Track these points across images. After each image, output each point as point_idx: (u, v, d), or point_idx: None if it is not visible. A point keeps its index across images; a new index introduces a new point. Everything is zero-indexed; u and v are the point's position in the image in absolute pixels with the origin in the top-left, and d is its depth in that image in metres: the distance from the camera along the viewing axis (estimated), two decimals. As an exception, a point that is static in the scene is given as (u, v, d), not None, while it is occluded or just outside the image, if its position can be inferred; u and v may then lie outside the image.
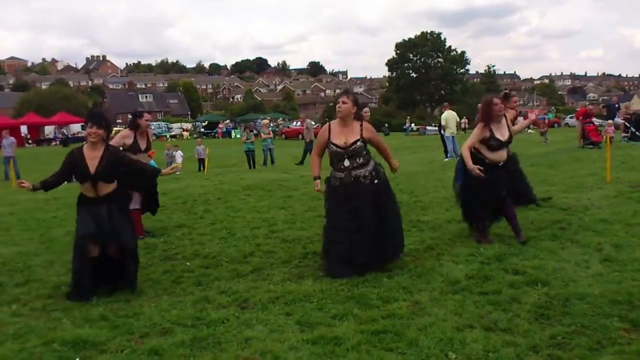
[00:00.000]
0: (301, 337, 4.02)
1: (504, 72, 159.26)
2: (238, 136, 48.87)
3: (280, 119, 64.08)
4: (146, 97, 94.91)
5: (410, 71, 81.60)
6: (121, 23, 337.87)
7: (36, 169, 24.30)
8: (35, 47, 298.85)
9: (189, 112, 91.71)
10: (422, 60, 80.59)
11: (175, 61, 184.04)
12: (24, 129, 52.98)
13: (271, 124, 27.75)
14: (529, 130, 22.49)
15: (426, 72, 79.69)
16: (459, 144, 18.37)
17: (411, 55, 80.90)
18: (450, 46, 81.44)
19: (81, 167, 5.33)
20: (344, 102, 5.68)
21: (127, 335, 4.28)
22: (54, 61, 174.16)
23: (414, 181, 12.48)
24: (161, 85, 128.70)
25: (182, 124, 68.24)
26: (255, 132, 22.03)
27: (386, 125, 53.25)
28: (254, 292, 5.17)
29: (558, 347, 3.70)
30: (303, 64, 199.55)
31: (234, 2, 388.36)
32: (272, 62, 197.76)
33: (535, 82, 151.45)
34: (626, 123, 21.03)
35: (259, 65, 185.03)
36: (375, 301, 4.76)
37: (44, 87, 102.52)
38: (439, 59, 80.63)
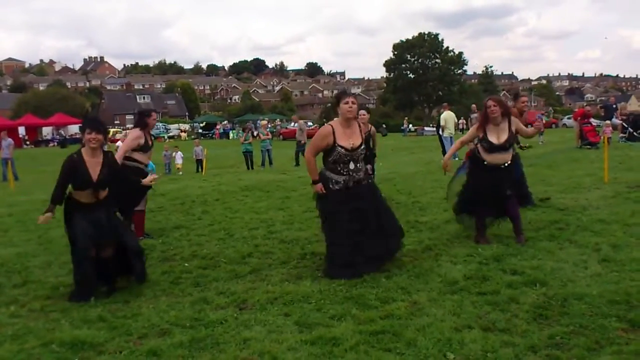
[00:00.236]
0: (299, 338, 4.02)
1: (502, 73, 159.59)
2: (236, 137, 48.83)
3: (278, 120, 64.11)
4: (144, 98, 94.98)
5: (408, 72, 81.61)
6: (119, 24, 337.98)
7: (34, 170, 24.29)
8: (32, 48, 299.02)
9: (187, 113, 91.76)
10: (420, 61, 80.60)
11: (172, 62, 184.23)
12: (21, 130, 52.91)
13: (269, 125, 27.71)
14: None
15: (424, 73, 79.70)
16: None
17: (409, 56, 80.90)
18: (447, 47, 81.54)
19: (83, 174, 5.25)
20: (353, 103, 5.62)
21: (126, 336, 4.27)
22: (51, 62, 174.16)
23: (411, 182, 12.49)
24: (159, 86, 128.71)
25: (180, 125, 68.18)
26: (255, 133, 21.96)
27: (384, 126, 53.22)
28: (252, 292, 5.17)
29: (556, 347, 3.70)
30: (301, 65, 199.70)
31: (231, 3, 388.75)
32: (270, 63, 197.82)
33: (533, 83, 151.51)
34: (624, 123, 21.08)
35: (257, 66, 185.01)
36: (373, 301, 4.76)
37: (41, 88, 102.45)
38: (437, 60, 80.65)
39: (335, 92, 6.25)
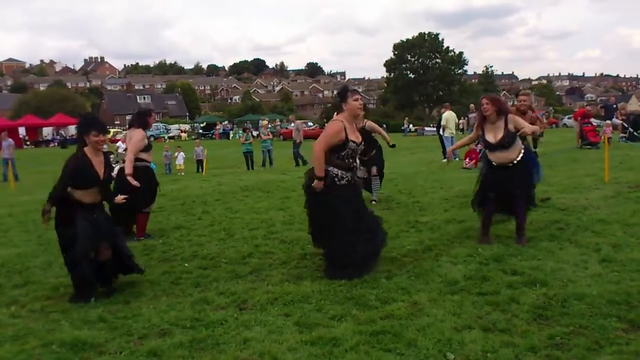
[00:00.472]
0: (300, 338, 4.03)
1: (502, 73, 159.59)
2: (236, 137, 48.85)
3: (278, 120, 64.11)
4: (144, 98, 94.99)
5: (408, 72, 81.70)
6: (119, 24, 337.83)
7: (34, 170, 24.30)
8: (33, 49, 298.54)
9: (187, 113, 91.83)
10: (420, 61, 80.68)
11: (173, 62, 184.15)
12: (22, 131, 52.88)
13: (269, 125, 27.72)
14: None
15: (424, 73, 79.78)
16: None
17: (409, 56, 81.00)
18: (448, 47, 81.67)
19: (91, 173, 5.27)
20: (361, 100, 5.82)
21: (126, 337, 4.28)
22: (52, 63, 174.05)
23: (412, 182, 12.49)
24: (159, 86, 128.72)
25: (180, 125, 68.19)
26: (256, 133, 22.01)
27: (384, 126, 53.13)
28: (252, 293, 5.18)
29: (556, 348, 3.70)
30: (301, 65, 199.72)
31: (232, 4, 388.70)
32: (270, 63, 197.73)
33: (533, 83, 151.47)
34: (624, 123, 21.07)
35: (257, 66, 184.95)
36: (373, 302, 4.76)
37: (42, 88, 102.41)
38: (437, 60, 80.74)
39: (339, 88, 6.18)
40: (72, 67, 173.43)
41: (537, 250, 6.04)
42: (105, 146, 5.62)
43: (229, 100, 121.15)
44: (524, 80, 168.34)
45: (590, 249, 5.95)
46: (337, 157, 5.61)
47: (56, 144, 52.37)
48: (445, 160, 17.71)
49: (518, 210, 6.46)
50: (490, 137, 6.34)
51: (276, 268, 6.05)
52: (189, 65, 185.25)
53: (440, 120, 19.25)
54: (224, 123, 64.08)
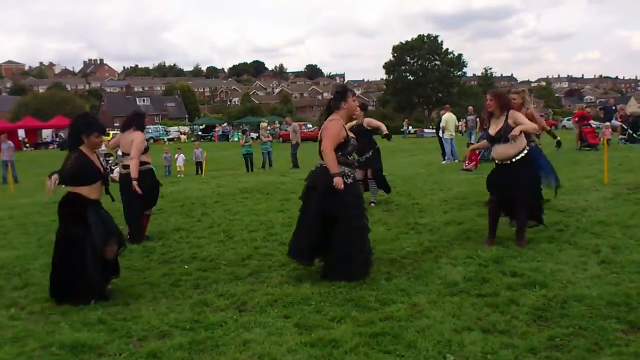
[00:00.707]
0: (299, 340, 4.03)
1: (501, 75, 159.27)
2: (236, 139, 48.83)
3: (277, 122, 64.12)
4: (143, 100, 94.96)
5: (408, 74, 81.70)
6: (118, 26, 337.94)
7: (34, 172, 24.29)
8: (32, 51, 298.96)
9: (187, 116, 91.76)
10: (420, 63, 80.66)
11: (172, 64, 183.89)
12: (21, 133, 52.89)
13: (268, 127, 27.74)
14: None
15: (423, 75, 79.75)
16: (457, 146, 18.43)
17: (408, 58, 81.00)
18: (447, 49, 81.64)
19: (94, 168, 5.34)
20: (357, 101, 5.96)
21: (126, 339, 4.27)
22: (51, 65, 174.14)
23: (411, 184, 12.49)
24: (158, 88, 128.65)
25: (180, 127, 68.20)
26: (255, 135, 22.03)
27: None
28: (252, 295, 5.18)
29: (556, 349, 3.71)
30: (300, 67, 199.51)
31: (231, 6, 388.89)
32: (270, 65, 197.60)
33: (533, 85, 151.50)
34: (623, 125, 21.09)
35: (256, 68, 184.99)
36: (373, 303, 4.76)
37: (41, 90, 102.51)
38: (436, 62, 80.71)
39: (338, 87, 6.16)
40: (72, 69, 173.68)
41: (536, 251, 6.04)
42: (103, 146, 5.66)
43: (229, 102, 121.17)
44: (523, 82, 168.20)
45: (590, 251, 5.95)
46: (341, 155, 5.62)
47: (55, 146, 52.36)
48: (445, 162, 17.78)
49: (518, 216, 6.46)
50: (492, 131, 6.43)
51: (275, 270, 6.05)
52: (188, 68, 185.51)
53: (439, 122, 19.29)
54: (223, 125, 64.04)
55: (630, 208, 7.93)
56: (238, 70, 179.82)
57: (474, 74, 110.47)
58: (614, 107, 23.97)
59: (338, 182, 5.44)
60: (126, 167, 7.78)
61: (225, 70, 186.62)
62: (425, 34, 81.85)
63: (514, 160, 6.31)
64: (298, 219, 5.82)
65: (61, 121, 56.82)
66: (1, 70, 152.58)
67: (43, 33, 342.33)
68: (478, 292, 4.87)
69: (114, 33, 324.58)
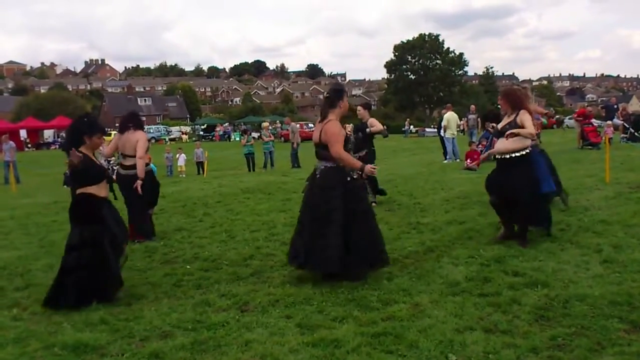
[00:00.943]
0: (301, 340, 4.03)
1: (503, 74, 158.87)
2: (237, 139, 48.84)
3: (278, 121, 64.12)
4: (145, 100, 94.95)
5: (409, 73, 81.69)
6: (119, 26, 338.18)
7: (35, 173, 24.33)
8: (34, 51, 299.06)
9: (188, 115, 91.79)
10: (421, 62, 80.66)
11: (173, 64, 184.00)
12: (23, 133, 52.96)
13: (270, 127, 27.74)
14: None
15: (425, 74, 79.76)
16: (459, 146, 18.42)
17: (409, 57, 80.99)
18: (448, 48, 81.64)
19: (98, 167, 5.39)
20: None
21: (128, 339, 4.28)
22: (52, 65, 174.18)
23: (413, 183, 12.49)
24: (160, 88, 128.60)
25: (181, 127, 68.25)
26: (257, 135, 22.04)
27: (385, 127, 53.12)
28: (254, 295, 5.18)
29: (558, 349, 3.71)
30: (302, 67, 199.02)
31: (232, 5, 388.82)
32: (271, 64, 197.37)
33: (534, 84, 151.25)
34: (625, 124, 21.06)
35: (258, 68, 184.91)
36: (375, 303, 4.76)
37: (42, 91, 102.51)
38: (437, 61, 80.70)
39: (335, 86, 6.14)
40: (73, 70, 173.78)
41: (538, 251, 6.04)
42: (102, 147, 5.67)
43: (230, 102, 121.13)
44: (524, 80, 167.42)
45: (592, 250, 5.95)
46: (348, 152, 5.65)
47: (57, 146, 52.37)
48: (446, 161, 17.77)
49: (519, 218, 6.45)
50: (500, 125, 6.46)
51: (277, 270, 6.05)
52: (189, 67, 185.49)
53: (441, 121, 19.26)
54: (224, 125, 64.03)
55: (632, 207, 7.92)
56: (239, 70, 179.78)
57: (475, 73, 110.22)
58: (615, 106, 23.93)
59: (369, 169, 5.51)
60: (126, 167, 7.73)
61: (227, 70, 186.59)
62: (427, 33, 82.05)
63: (512, 156, 6.28)
64: (310, 229, 5.50)
65: (63, 121, 56.80)
66: (3, 70, 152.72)
67: (44, 33, 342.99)
68: (480, 292, 4.87)
69: (115, 33, 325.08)
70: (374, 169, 5.60)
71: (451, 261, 5.90)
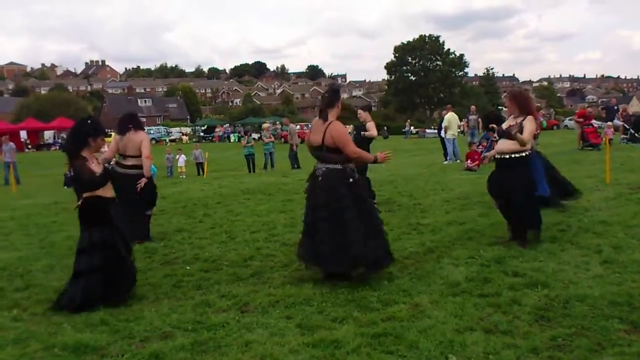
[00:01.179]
0: (301, 341, 4.03)
1: (503, 75, 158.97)
2: (236, 140, 48.91)
3: (278, 122, 64.16)
4: (145, 101, 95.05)
5: (409, 74, 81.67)
6: (120, 27, 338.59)
7: (36, 174, 24.34)
8: (34, 52, 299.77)
9: (188, 117, 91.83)
10: (421, 63, 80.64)
11: (174, 65, 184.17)
12: (23, 134, 53.00)
13: (271, 128, 27.76)
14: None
15: (425, 75, 79.71)
16: (459, 146, 18.42)
17: (410, 58, 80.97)
18: (449, 49, 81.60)
19: (103, 172, 5.36)
20: None
21: (128, 340, 4.28)
22: (53, 66, 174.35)
23: (413, 184, 12.49)
24: (160, 89, 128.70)
25: (182, 128, 68.30)
26: (257, 136, 22.05)
27: (385, 128, 53.17)
28: (254, 295, 5.18)
29: (558, 349, 3.70)
30: (302, 68, 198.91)
31: (232, 6, 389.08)
32: (271, 65, 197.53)
33: (534, 85, 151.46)
34: (625, 125, 21.07)
35: (258, 69, 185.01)
36: (375, 304, 4.76)
37: (43, 92, 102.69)
38: (438, 62, 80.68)
39: (332, 86, 6.15)
40: (73, 71, 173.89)
41: (538, 251, 6.04)
42: (104, 148, 5.67)
43: (230, 103, 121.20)
44: (524, 82, 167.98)
45: (592, 251, 5.95)
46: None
47: (57, 147, 52.40)
48: (447, 162, 17.77)
49: (514, 218, 6.48)
50: (505, 125, 6.45)
51: (277, 270, 6.05)
52: (190, 69, 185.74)
53: (441, 122, 19.26)
54: (225, 126, 64.04)
55: (633, 208, 7.92)
56: (239, 71, 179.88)
57: (475, 74, 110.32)
58: (616, 107, 23.95)
59: (382, 157, 5.73)
60: (126, 166, 7.70)
61: (227, 71, 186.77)
62: (427, 35, 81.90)
63: (512, 156, 6.29)
64: (327, 230, 5.39)
65: (63, 122, 56.87)
66: (3, 71, 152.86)
67: (44, 34, 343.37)
68: (480, 292, 4.87)
69: (116, 34, 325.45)
70: (389, 153, 5.73)
71: (451, 262, 5.90)
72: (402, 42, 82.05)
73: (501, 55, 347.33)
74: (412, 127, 54.93)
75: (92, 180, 5.17)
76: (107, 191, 5.33)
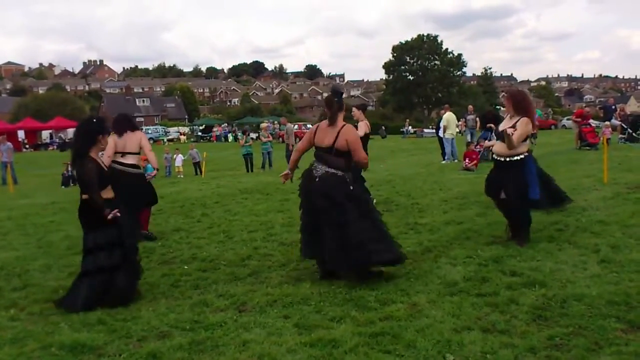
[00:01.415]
0: (299, 340, 4.03)
1: (501, 75, 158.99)
2: (234, 140, 48.86)
3: (276, 122, 64.12)
4: (143, 101, 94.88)
5: (407, 74, 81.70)
6: (118, 27, 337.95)
7: (33, 173, 24.31)
8: (32, 52, 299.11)
9: (186, 116, 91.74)
10: (419, 62, 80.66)
11: (172, 65, 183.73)
12: (21, 134, 52.94)
13: (269, 127, 27.71)
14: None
15: (423, 75, 79.74)
16: (457, 146, 18.44)
17: (408, 57, 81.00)
18: (447, 49, 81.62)
19: (106, 172, 5.42)
20: None
21: (125, 339, 4.28)
22: (51, 66, 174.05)
23: (411, 184, 12.49)
24: (158, 89, 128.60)
25: (180, 127, 68.18)
26: (255, 135, 22.04)
27: (383, 128, 53.15)
28: (251, 295, 5.18)
29: (556, 348, 3.70)
30: (300, 67, 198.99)
31: (230, 6, 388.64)
32: (269, 65, 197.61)
33: (532, 84, 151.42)
34: (623, 124, 21.09)
35: (256, 68, 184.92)
36: (372, 303, 4.76)
37: (41, 92, 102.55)
38: (436, 62, 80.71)
39: (336, 88, 6.12)
40: (71, 70, 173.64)
41: (536, 251, 6.04)
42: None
43: (228, 103, 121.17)
44: (523, 81, 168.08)
45: (589, 250, 5.95)
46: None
47: (55, 147, 52.38)
48: (445, 161, 17.78)
49: (509, 216, 6.51)
50: (502, 126, 6.44)
51: (275, 270, 6.05)
52: (187, 68, 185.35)
53: (439, 121, 19.25)
54: (223, 126, 63.98)
55: (630, 207, 7.92)
56: (238, 71, 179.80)
57: (473, 74, 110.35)
58: (613, 107, 23.95)
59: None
60: (125, 164, 7.71)
61: (225, 70, 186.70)
62: (425, 34, 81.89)
63: (507, 159, 6.32)
64: (336, 233, 5.38)
65: (61, 122, 56.89)
66: (1, 71, 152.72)
67: (42, 34, 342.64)
68: (478, 292, 4.87)
69: (114, 34, 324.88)
70: None
71: (449, 261, 5.90)
72: (400, 42, 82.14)
73: (499, 54, 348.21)
74: (409, 127, 54.88)
75: (92, 184, 5.17)
76: (108, 192, 5.33)
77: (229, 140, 53.53)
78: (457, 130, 20.72)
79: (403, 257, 5.56)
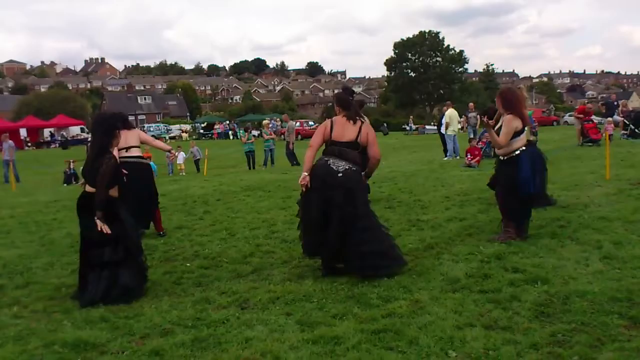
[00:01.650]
0: (301, 337, 4.03)
1: (503, 71, 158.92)
2: (236, 137, 48.84)
3: (278, 119, 64.06)
4: (145, 98, 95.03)
5: (409, 70, 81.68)
6: (120, 25, 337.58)
7: (35, 171, 24.35)
8: (34, 50, 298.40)
9: (188, 114, 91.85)
10: (421, 59, 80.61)
11: (173, 63, 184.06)
12: (23, 132, 53.01)
13: (271, 124, 27.69)
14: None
15: (425, 72, 79.71)
16: (459, 143, 18.42)
17: (410, 54, 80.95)
18: (448, 45, 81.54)
19: (121, 170, 5.49)
20: None
21: (128, 337, 4.29)
22: (52, 64, 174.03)
23: (413, 180, 12.47)
24: (160, 87, 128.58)
25: (181, 125, 68.25)
26: (257, 132, 22.04)
27: (385, 124, 53.07)
28: (254, 292, 5.19)
29: (558, 345, 3.70)
30: (302, 65, 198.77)
31: (232, 4, 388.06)
32: (271, 62, 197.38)
33: (534, 81, 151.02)
34: (625, 120, 21.04)
35: (258, 66, 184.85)
36: (375, 300, 4.77)
37: (43, 90, 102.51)
38: (438, 58, 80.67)
39: (345, 87, 6.19)
40: (73, 69, 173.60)
41: (538, 247, 6.03)
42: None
43: (230, 100, 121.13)
44: (524, 77, 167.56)
45: (592, 246, 5.94)
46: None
47: (57, 145, 52.43)
48: (447, 158, 17.77)
49: (500, 208, 6.64)
50: (497, 126, 6.66)
51: (277, 267, 6.06)
52: (189, 66, 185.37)
53: (441, 118, 19.22)
54: (224, 123, 63.98)
55: (633, 203, 7.91)
56: (239, 68, 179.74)
57: (475, 70, 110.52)
58: (616, 103, 23.90)
59: None
60: (129, 157, 7.74)
61: (227, 68, 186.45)
62: (427, 31, 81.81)
63: (502, 158, 6.48)
64: (340, 230, 5.45)
65: (63, 120, 56.99)
66: (3, 69, 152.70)
67: (44, 32, 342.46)
68: (480, 289, 4.86)
69: (115, 32, 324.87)
70: None
71: (451, 258, 5.90)
72: (402, 39, 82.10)
73: (501, 51, 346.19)
74: (412, 124, 54.74)
75: (106, 181, 5.19)
76: (114, 191, 5.35)
77: (231, 138, 53.52)
78: (460, 127, 20.68)
79: (405, 263, 5.63)
